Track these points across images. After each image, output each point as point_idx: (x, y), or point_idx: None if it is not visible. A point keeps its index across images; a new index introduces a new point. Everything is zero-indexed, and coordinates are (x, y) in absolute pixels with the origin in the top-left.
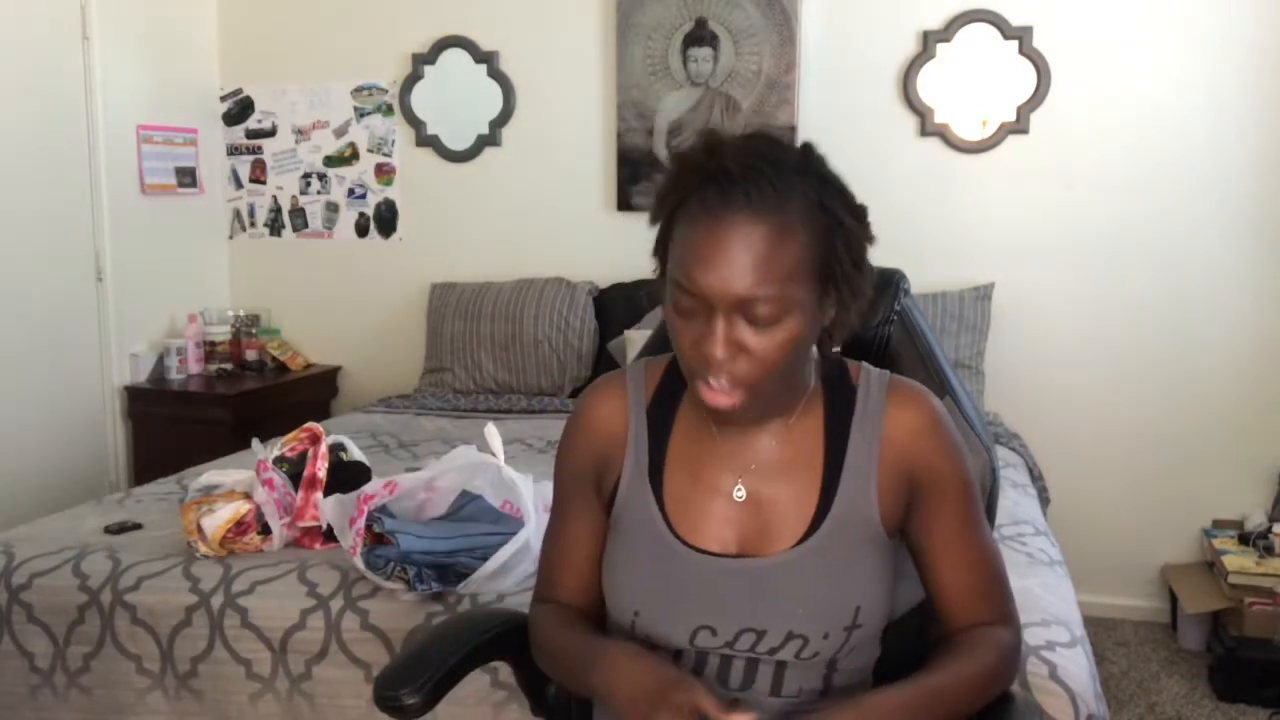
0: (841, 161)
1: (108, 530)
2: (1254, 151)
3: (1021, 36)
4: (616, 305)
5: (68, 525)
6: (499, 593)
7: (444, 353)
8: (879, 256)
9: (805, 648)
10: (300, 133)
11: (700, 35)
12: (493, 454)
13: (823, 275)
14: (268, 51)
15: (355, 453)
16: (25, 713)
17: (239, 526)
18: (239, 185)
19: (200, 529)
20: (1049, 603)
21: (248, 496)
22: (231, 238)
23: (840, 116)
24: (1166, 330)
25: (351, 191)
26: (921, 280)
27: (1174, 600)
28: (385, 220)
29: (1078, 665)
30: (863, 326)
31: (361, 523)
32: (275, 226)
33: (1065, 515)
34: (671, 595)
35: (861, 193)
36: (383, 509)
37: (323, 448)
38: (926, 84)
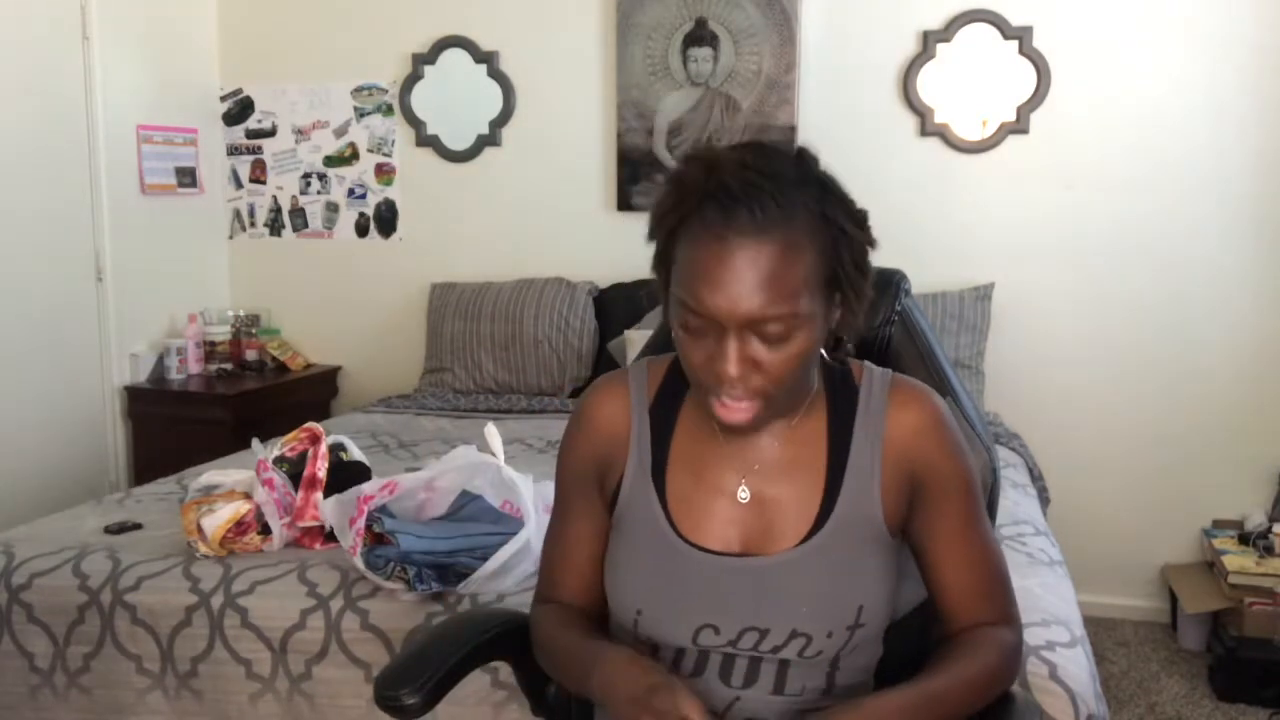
0: (841, 162)
1: (108, 530)
2: (1254, 151)
3: (1021, 36)
4: (616, 305)
5: (68, 525)
6: (499, 593)
7: (444, 353)
8: (879, 257)
9: (808, 646)
10: (300, 133)
11: (700, 35)
12: (493, 454)
13: (828, 284)
14: (268, 51)
15: (355, 453)
16: (25, 713)
17: (239, 526)
18: (239, 185)
19: (200, 529)
20: (1049, 603)
21: (248, 496)
22: (231, 238)
23: (840, 116)
24: (1166, 330)
25: (351, 191)
26: (921, 280)
27: (1174, 600)
28: (385, 220)
29: (1078, 665)
30: (865, 327)
31: (361, 523)
32: (275, 226)
33: (1065, 515)
34: (674, 594)
35: (861, 193)
36: (383, 509)
37: (323, 448)
38: (926, 84)
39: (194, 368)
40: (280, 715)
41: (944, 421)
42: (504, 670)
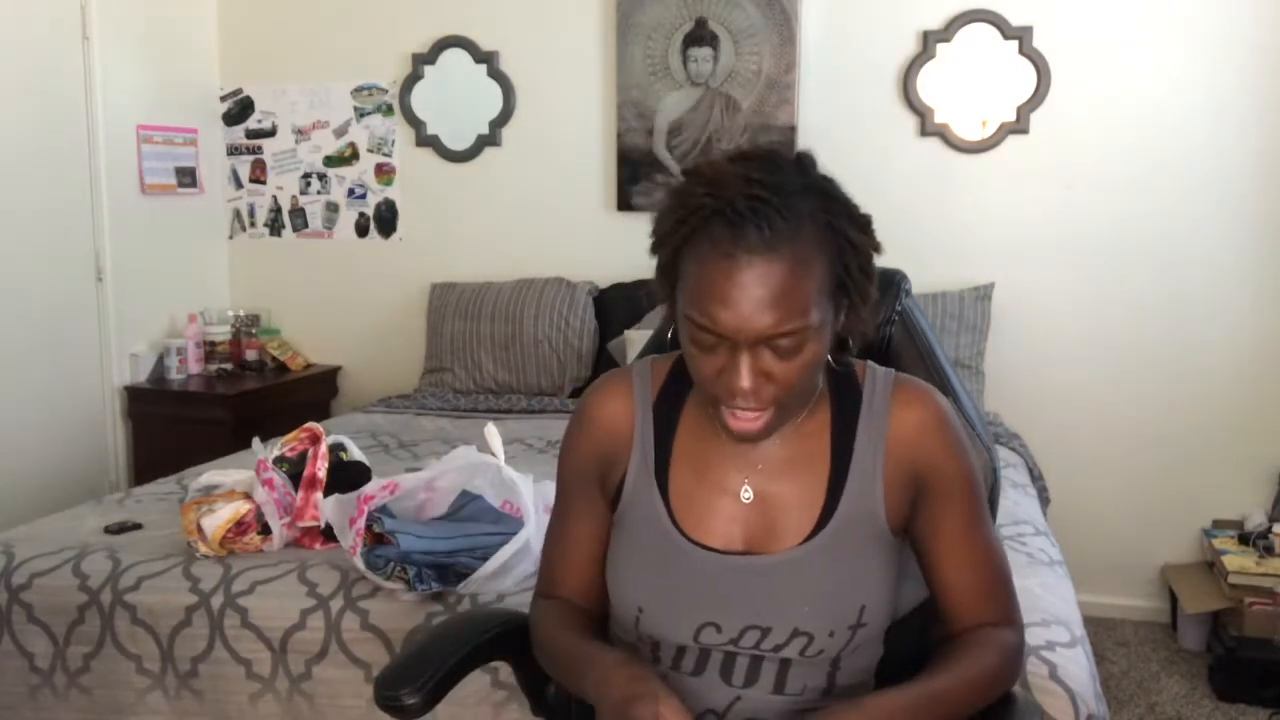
0: (841, 161)
1: (108, 530)
2: (1254, 151)
3: (1021, 36)
4: (616, 305)
5: (68, 525)
6: (499, 593)
7: (444, 353)
8: (880, 258)
9: (810, 645)
10: (300, 133)
11: (700, 35)
12: (493, 454)
13: (835, 291)
14: (268, 51)
15: (355, 453)
16: (25, 713)
17: (239, 526)
18: (239, 185)
19: (200, 529)
20: (1049, 603)
21: (248, 496)
22: (231, 238)
23: (840, 116)
24: (1166, 330)
25: (351, 191)
26: (921, 280)
27: (1174, 600)
28: (385, 220)
29: (1078, 665)
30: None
31: (361, 523)
32: (275, 226)
33: (1065, 515)
34: (676, 592)
35: (861, 193)
36: (383, 509)
37: (323, 448)
38: (926, 84)
39: (194, 368)
40: (280, 715)
41: (947, 421)
42: (504, 670)
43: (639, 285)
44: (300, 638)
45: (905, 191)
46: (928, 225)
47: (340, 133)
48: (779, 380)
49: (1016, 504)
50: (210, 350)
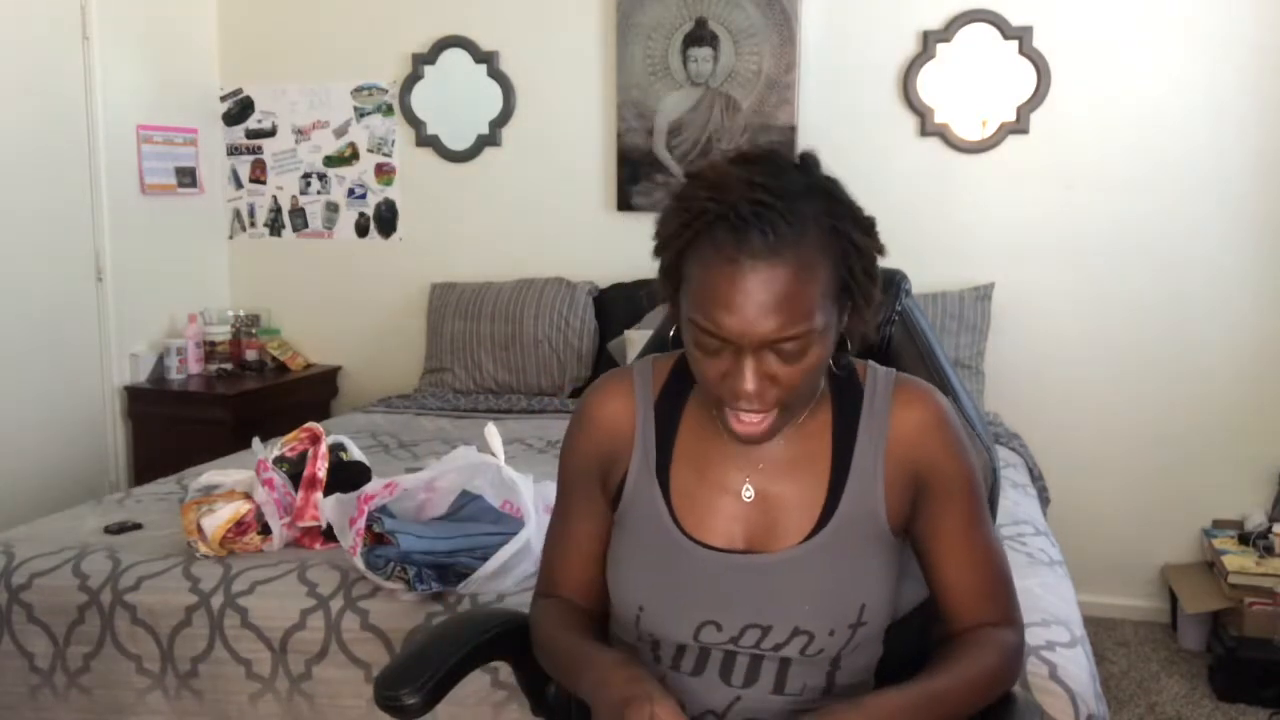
0: (841, 162)
1: (108, 530)
2: (1254, 151)
3: (1021, 36)
4: (616, 305)
5: (68, 525)
6: (499, 593)
7: (444, 353)
8: (882, 259)
9: (810, 644)
10: (300, 133)
11: (700, 35)
12: (493, 454)
13: (839, 293)
14: (268, 51)
15: (355, 453)
16: (25, 713)
17: (239, 526)
18: (239, 185)
19: (200, 529)
20: (1049, 603)
21: (248, 496)
22: (231, 238)
23: (840, 116)
24: (1166, 330)
25: (351, 191)
26: (921, 280)
27: (1174, 600)
28: (385, 220)
29: (1078, 665)
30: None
31: (361, 523)
32: (275, 226)
33: (1065, 515)
34: (677, 590)
35: (861, 193)
36: (383, 509)
37: (323, 448)
38: (926, 84)
39: (194, 368)
40: (280, 715)
41: (948, 421)
42: (504, 670)
43: (639, 285)
44: (300, 638)
45: (905, 191)
46: (928, 225)
47: (340, 133)
48: (783, 383)
49: (1016, 504)
50: (210, 350)
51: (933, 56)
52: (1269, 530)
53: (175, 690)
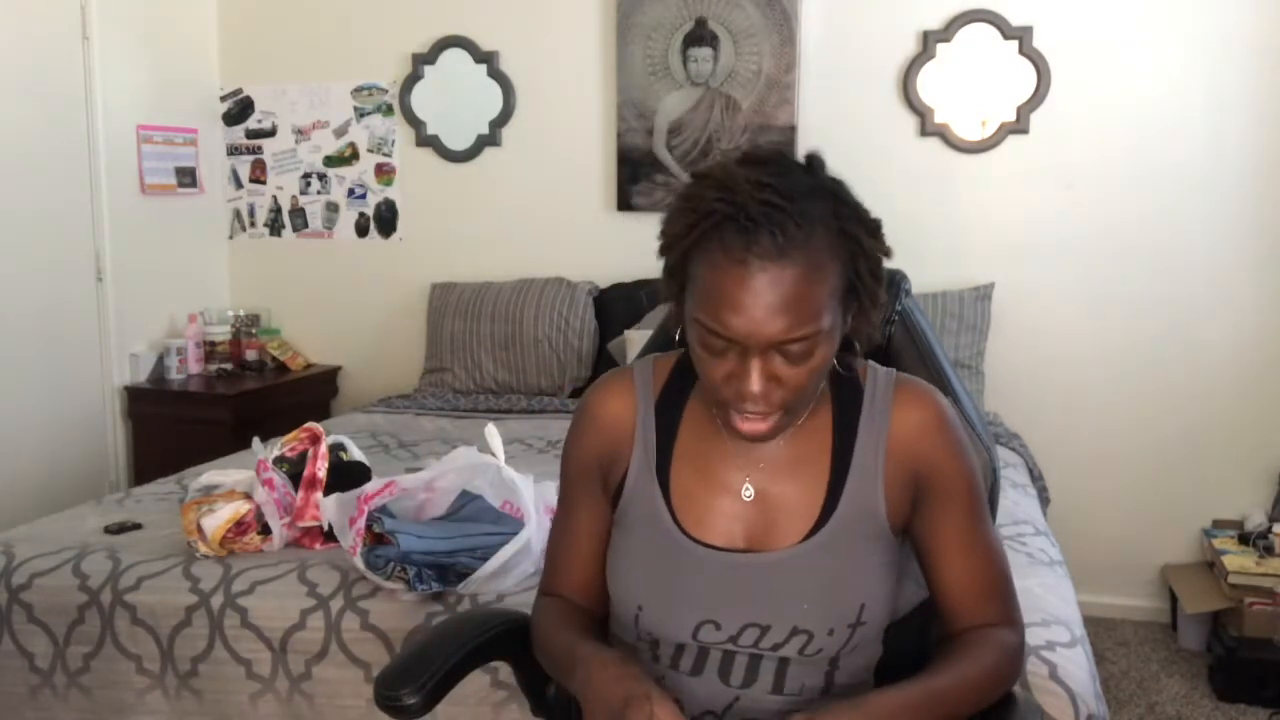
0: (841, 162)
1: (108, 530)
2: (1254, 151)
3: (1021, 36)
4: (616, 305)
5: (68, 525)
6: (499, 593)
7: (444, 353)
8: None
9: (809, 644)
10: (300, 133)
11: (700, 35)
12: (493, 454)
13: (845, 295)
14: (268, 51)
15: (355, 453)
16: (25, 713)
17: (239, 526)
18: (239, 185)
19: (200, 529)
20: (1049, 603)
21: (248, 496)
22: (231, 238)
23: (840, 116)
24: (1166, 330)
25: (351, 191)
26: (921, 280)
27: (1174, 600)
28: (385, 220)
29: (1078, 665)
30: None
31: (361, 523)
32: (275, 226)
33: (1065, 515)
34: (676, 589)
35: (861, 193)
36: (383, 509)
37: (323, 448)
38: (926, 84)
39: (194, 368)
40: (280, 715)
41: (948, 421)
42: (504, 670)
43: (639, 285)
44: (300, 638)
45: (905, 191)
46: (928, 225)
47: (340, 133)
48: (788, 384)
49: (1016, 504)
50: (210, 350)
51: (933, 56)
52: (1269, 530)
53: (175, 690)
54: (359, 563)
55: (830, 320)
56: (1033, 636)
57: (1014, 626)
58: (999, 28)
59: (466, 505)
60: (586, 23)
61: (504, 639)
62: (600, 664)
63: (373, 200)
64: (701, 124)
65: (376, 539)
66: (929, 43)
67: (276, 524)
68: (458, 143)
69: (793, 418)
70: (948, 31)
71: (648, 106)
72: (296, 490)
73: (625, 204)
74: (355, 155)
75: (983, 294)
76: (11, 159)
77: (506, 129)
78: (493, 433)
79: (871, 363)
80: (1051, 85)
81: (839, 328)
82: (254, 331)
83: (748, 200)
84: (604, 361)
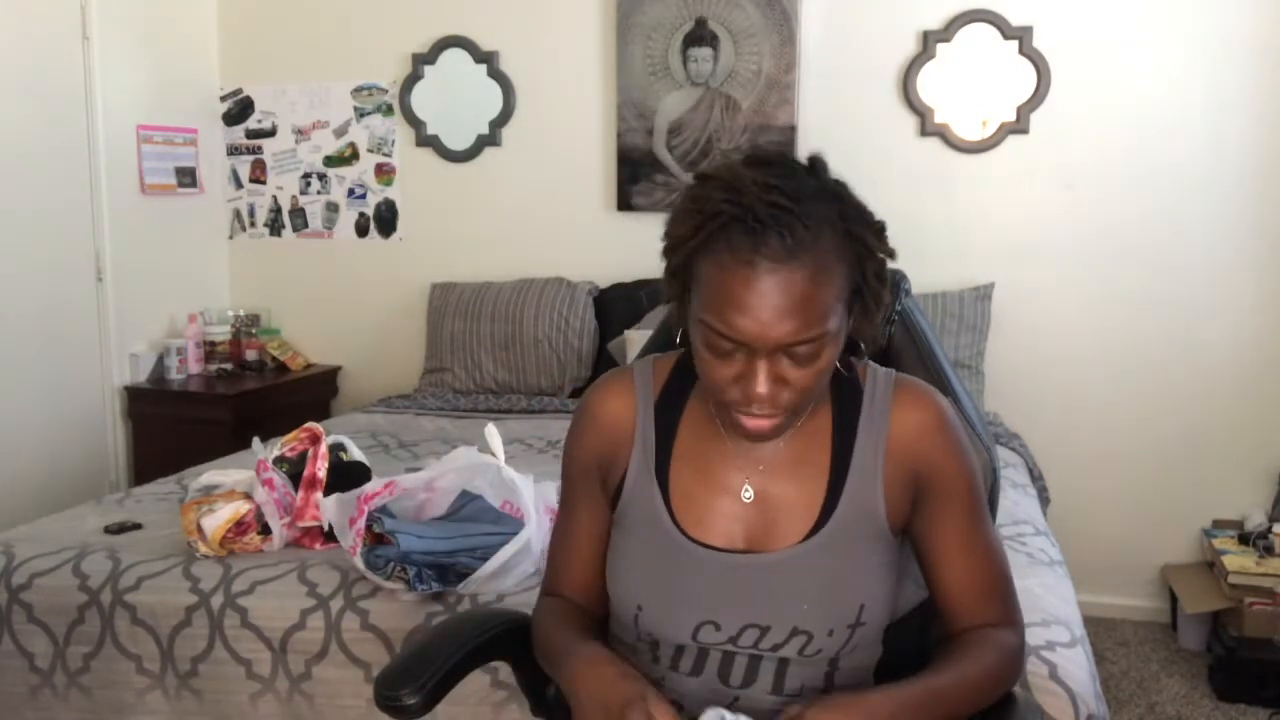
0: (841, 162)
1: (108, 530)
2: (1254, 151)
3: (1021, 36)
4: (616, 305)
5: (68, 525)
6: (499, 593)
7: (444, 353)
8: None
9: (809, 644)
10: (300, 133)
11: (700, 35)
12: (493, 454)
13: (850, 297)
14: (268, 51)
15: (355, 453)
16: (25, 713)
17: (239, 526)
18: (239, 185)
19: (200, 529)
20: (1049, 603)
21: (248, 496)
22: (231, 238)
23: (840, 116)
24: (1167, 330)
25: (351, 191)
26: (921, 280)
27: (1174, 600)
28: (385, 220)
29: (1078, 665)
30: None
31: (361, 523)
32: (275, 226)
33: (1065, 515)
34: (675, 590)
35: (861, 193)
36: (383, 509)
37: (323, 448)
38: (926, 84)
39: (194, 368)
40: (280, 715)
41: (948, 422)
42: (504, 670)
43: (639, 285)
44: (300, 638)
45: (905, 191)
46: (928, 225)
47: (340, 133)
48: (795, 386)
49: (1016, 504)
50: (210, 350)
51: (933, 56)
52: (1269, 530)
53: (175, 690)
54: (359, 563)
55: (836, 322)
56: (1033, 636)
57: (1014, 627)
58: (999, 28)
59: (466, 505)
60: (586, 23)
61: (504, 639)
62: (591, 662)
63: (373, 200)
64: (701, 124)
65: (376, 539)
66: (929, 43)
67: (276, 524)
68: (458, 143)
69: (796, 418)
70: (948, 31)
71: (648, 106)
72: (296, 490)
73: (625, 204)
74: (355, 155)
75: (983, 294)
76: (11, 159)
77: (506, 129)
78: (493, 433)
79: (871, 363)
80: (1051, 85)
81: (844, 329)
82: (254, 331)
83: (755, 202)
84: (604, 361)
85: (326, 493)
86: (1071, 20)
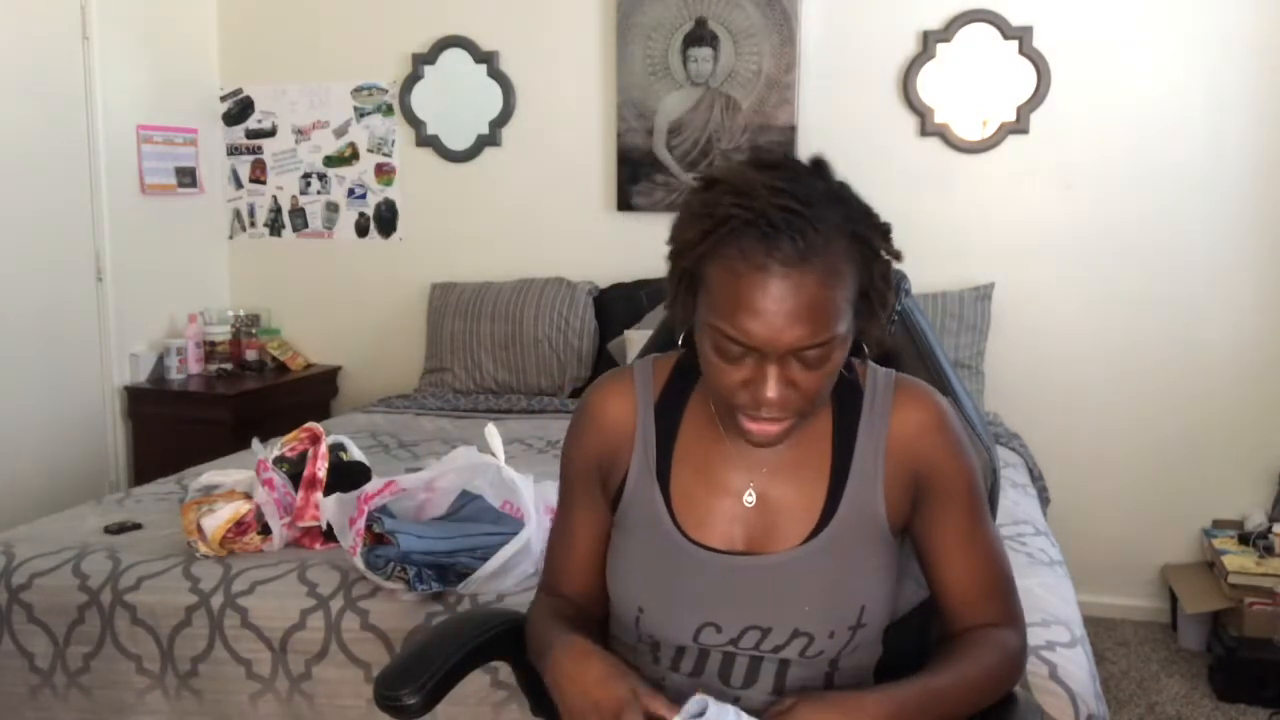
0: (841, 162)
1: (108, 530)
2: (1254, 151)
3: (1021, 36)
4: (616, 305)
5: (68, 525)
6: (499, 593)
7: (444, 353)
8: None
9: (810, 646)
10: (300, 133)
11: (700, 35)
12: (493, 454)
13: (858, 300)
14: (268, 51)
15: (355, 453)
16: (25, 713)
17: (239, 526)
18: (239, 185)
19: (200, 529)
20: (1049, 603)
21: (248, 496)
22: (231, 238)
23: (840, 116)
24: (1167, 330)
25: (351, 191)
26: (921, 280)
27: (1174, 600)
28: (385, 220)
29: (1078, 665)
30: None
31: (361, 523)
32: (275, 226)
33: (1065, 515)
34: (676, 592)
35: (862, 193)
36: (383, 509)
37: (323, 448)
38: (926, 84)
39: (194, 368)
40: (280, 715)
41: (948, 422)
42: (504, 670)
43: (639, 285)
44: (300, 638)
45: (905, 191)
46: (928, 225)
47: (340, 133)
48: (803, 389)
49: (1016, 504)
50: (210, 350)
51: (933, 56)
52: (1269, 530)
53: (175, 690)
54: (359, 563)
55: (846, 325)
56: (1033, 636)
57: (1015, 627)
58: (999, 28)
59: (466, 505)
60: (586, 23)
61: (504, 639)
62: (574, 657)
63: (373, 200)
64: (701, 124)
65: (376, 539)
66: (929, 43)
67: (276, 524)
68: (458, 143)
69: (803, 421)
70: (948, 31)
71: (648, 106)
72: (296, 490)
73: (625, 204)
74: (355, 155)
75: (983, 294)
76: (11, 159)
77: (506, 129)
78: (493, 433)
79: (871, 364)
80: (1051, 85)
81: (852, 331)
82: (254, 331)
83: (767, 206)
84: (604, 361)
85: (326, 493)
86: (1071, 20)
